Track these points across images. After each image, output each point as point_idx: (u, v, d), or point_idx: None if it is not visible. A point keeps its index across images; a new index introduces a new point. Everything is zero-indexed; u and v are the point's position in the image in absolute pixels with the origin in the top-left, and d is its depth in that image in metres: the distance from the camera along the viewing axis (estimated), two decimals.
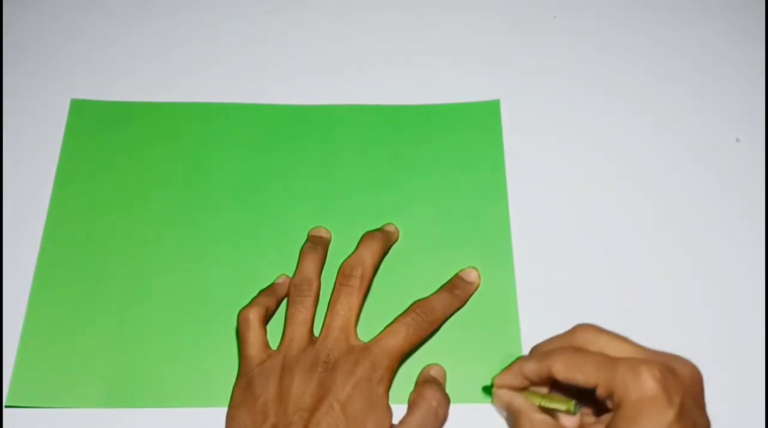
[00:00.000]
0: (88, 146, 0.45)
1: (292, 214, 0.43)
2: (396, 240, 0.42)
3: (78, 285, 0.40)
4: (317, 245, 0.40)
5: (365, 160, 0.44)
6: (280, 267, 0.41)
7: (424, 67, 0.48)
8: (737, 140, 0.45)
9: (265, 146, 0.45)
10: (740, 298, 0.41)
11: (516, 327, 0.39)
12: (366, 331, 0.37)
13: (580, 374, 0.32)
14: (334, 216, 0.42)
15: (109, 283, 0.41)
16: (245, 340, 0.37)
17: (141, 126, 0.45)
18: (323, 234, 0.42)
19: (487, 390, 0.37)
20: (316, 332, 0.38)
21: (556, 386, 0.35)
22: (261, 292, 0.39)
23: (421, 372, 0.38)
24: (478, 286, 0.40)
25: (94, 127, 0.45)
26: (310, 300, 0.38)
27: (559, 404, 0.34)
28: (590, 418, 0.34)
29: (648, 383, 0.30)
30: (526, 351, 0.38)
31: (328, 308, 0.38)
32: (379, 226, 0.42)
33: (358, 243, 0.39)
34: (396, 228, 0.42)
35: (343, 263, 0.38)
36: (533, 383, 0.35)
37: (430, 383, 0.36)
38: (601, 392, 0.32)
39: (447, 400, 0.36)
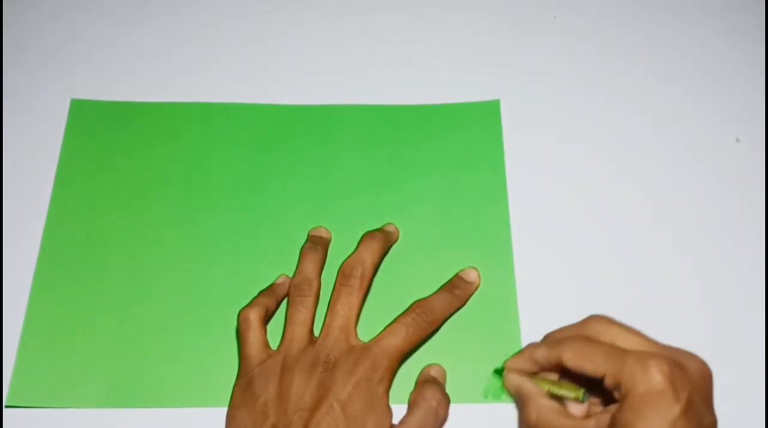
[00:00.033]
0: (88, 146, 0.45)
1: (292, 214, 0.43)
2: (396, 240, 0.42)
3: (78, 285, 0.40)
4: (317, 245, 0.40)
5: (365, 160, 0.44)
6: (280, 267, 0.41)
7: (424, 67, 0.48)
8: (737, 140, 0.45)
9: (265, 146, 0.45)
10: (740, 298, 0.41)
11: (516, 327, 0.39)
12: (366, 331, 0.37)
13: (590, 363, 0.32)
14: (334, 216, 0.42)
15: (109, 283, 0.41)
16: (245, 340, 0.37)
17: (141, 126, 0.45)
18: (323, 234, 0.42)
19: (498, 372, 0.37)
20: (316, 332, 0.38)
21: (565, 374, 0.35)
22: (261, 292, 0.39)
23: (421, 372, 0.38)
24: (478, 286, 0.40)
25: (94, 127, 0.45)
26: (310, 301, 0.38)
27: (569, 391, 0.34)
28: (597, 407, 0.34)
29: (656, 377, 0.30)
30: None
31: (328, 308, 0.38)
32: (379, 226, 0.42)
33: (358, 244, 0.39)
34: (396, 228, 0.42)
35: (343, 263, 0.38)
36: (543, 369, 0.35)
37: (430, 383, 0.36)
38: (608, 382, 0.32)
39: (447, 400, 0.36)
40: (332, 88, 0.47)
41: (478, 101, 0.46)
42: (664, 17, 0.50)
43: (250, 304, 0.38)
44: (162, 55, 0.48)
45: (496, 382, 0.37)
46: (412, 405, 0.35)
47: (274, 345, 0.37)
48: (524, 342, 0.39)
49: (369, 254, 0.39)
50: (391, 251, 0.41)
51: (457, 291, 0.39)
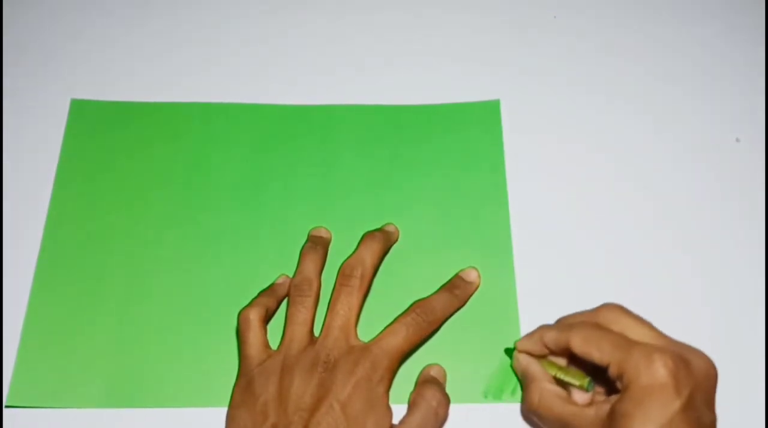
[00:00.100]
0: (88, 146, 0.45)
1: (292, 214, 0.43)
2: (396, 241, 0.42)
3: (78, 285, 0.40)
4: (317, 245, 0.40)
5: (365, 160, 0.44)
6: (280, 267, 0.41)
7: (424, 67, 0.48)
8: (737, 140, 0.45)
9: (265, 146, 0.45)
10: (740, 298, 0.41)
11: (516, 327, 0.39)
12: (366, 331, 0.37)
13: (596, 350, 0.33)
14: (334, 216, 0.42)
15: (109, 283, 0.41)
16: (245, 340, 0.37)
17: (141, 126, 0.45)
18: (323, 234, 0.42)
19: (509, 352, 0.37)
20: (317, 332, 0.38)
21: (573, 360, 0.35)
22: (261, 292, 0.39)
23: (421, 372, 0.38)
24: (478, 286, 0.40)
25: (94, 127, 0.45)
26: (310, 301, 0.38)
27: (574, 379, 0.34)
28: (600, 396, 0.35)
29: (659, 371, 0.30)
30: None
31: (328, 308, 0.38)
32: (379, 226, 0.42)
33: (358, 244, 0.39)
34: (396, 228, 0.42)
35: (343, 263, 0.38)
36: (552, 352, 0.35)
37: (430, 383, 0.36)
38: (612, 371, 0.32)
39: (447, 400, 0.36)
40: (332, 88, 0.47)
41: (478, 101, 0.46)
42: (664, 17, 0.50)
43: (250, 304, 0.38)
44: (162, 55, 0.48)
45: (505, 362, 0.38)
46: (412, 405, 0.35)
47: (274, 345, 0.37)
48: None
49: (369, 254, 0.39)
50: (391, 251, 0.41)
51: (457, 291, 0.39)
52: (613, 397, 0.32)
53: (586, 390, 0.34)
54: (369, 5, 0.50)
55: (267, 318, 0.38)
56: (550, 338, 0.35)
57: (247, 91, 0.47)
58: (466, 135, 0.45)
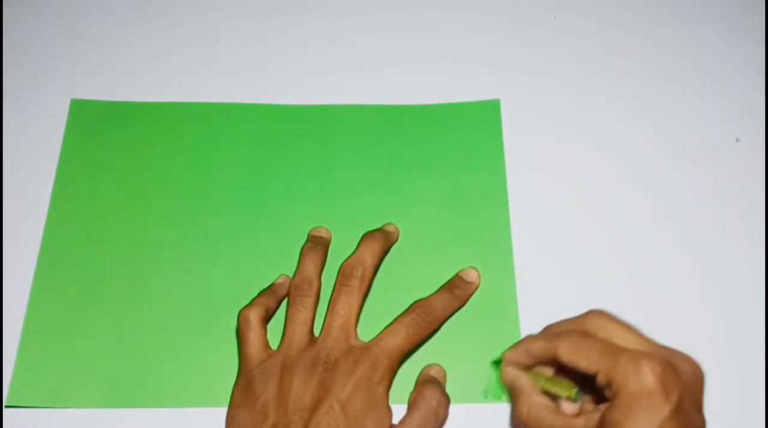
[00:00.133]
0: (88, 146, 0.45)
1: (292, 214, 0.43)
2: (396, 240, 0.42)
3: (78, 285, 0.40)
4: (317, 245, 0.40)
5: (365, 160, 0.44)
6: (280, 267, 0.41)
7: (424, 67, 0.48)
8: (737, 140, 0.45)
9: (265, 146, 0.45)
10: (740, 298, 0.41)
11: (516, 327, 0.39)
12: (366, 331, 0.37)
13: (584, 359, 0.32)
14: (334, 216, 0.42)
15: (109, 283, 0.41)
16: (245, 340, 0.37)
17: (141, 126, 0.45)
18: (323, 234, 0.42)
19: (496, 364, 0.37)
20: (317, 332, 0.38)
21: (561, 369, 0.35)
22: (261, 292, 0.39)
23: (421, 372, 0.38)
24: (478, 286, 0.40)
25: (94, 127, 0.45)
26: (310, 301, 0.38)
27: (562, 389, 0.34)
28: (589, 405, 0.34)
29: (647, 377, 0.30)
30: None
31: (328, 308, 0.38)
32: (379, 226, 0.42)
33: (359, 244, 0.39)
34: (396, 228, 0.42)
35: (343, 263, 0.38)
36: (540, 362, 0.35)
37: (430, 383, 0.36)
38: (600, 380, 0.32)
39: (447, 400, 0.36)
40: (332, 88, 0.47)
41: (478, 101, 0.46)
42: (664, 17, 0.50)
43: (250, 304, 0.38)
44: (162, 55, 0.48)
45: (493, 373, 0.37)
46: (412, 405, 0.35)
47: (274, 345, 0.37)
48: None
49: (369, 254, 0.39)
50: (391, 251, 0.41)
51: (457, 291, 0.39)
52: (602, 406, 0.32)
53: (574, 401, 0.34)
54: (369, 5, 0.50)
55: (267, 318, 0.38)
56: (537, 348, 0.34)
57: (247, 91, 0.47)
58: (466, 135, 0.45)
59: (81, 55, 0.48)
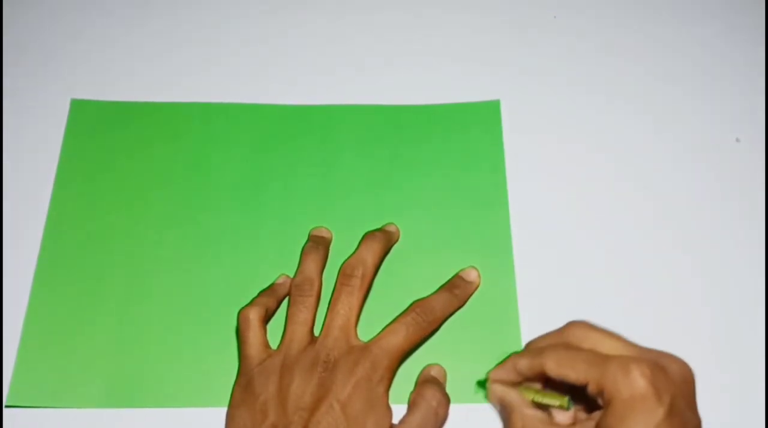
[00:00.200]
0: (88, 146, 0.45)
1: (292, 214, 0.43)
2: (397, 240, 0.42)
3: (78, 285, 0.40)
4: (319, 245, 0.40)
5: (365, 160, 0.44)
6: (281, 267, 0.41)
7: (424, 67, 0.48)
8: (737, 140, 0.45)
9: (265, 146, 0.45)
10: (740, 298, 0.41)
11: (516, 327, 0.39)
12: (366, 331, 0.37)
13: (572, 371, 0.32)
14: (334, 216, 0.42)
15: (109, 283, 0.41)
16: (245, 340, 0.37)
17: (141, 126, 0.45)
18: (324, 234, 0.42)
19: (482, 384, 0.37)
20: (317, 332, 0.38)
21: (549, 383, 0.35)
22: (261, 292, 0.39)
23: (421, 372, 0.38)
24: (478, 286, 0.40)
25: (94, 127, 0.45)
26: (311, 300, 0.38)
27: (553, 399, 0.34)
28: (582, 414, 0.34)
29: (638, 381, 0.30)
30: None
31: (328, 308, 0.38)
32: (379, 226, 0.42)
33: (359, 244, 0.39)
34: (397, 228, 0.42)
35: (343, 263, 0.38)
36: (527, 379, 0.35)
37: (431, 383, 0.36)
38: (591, 389, 0.32)
39: (447, 400, 0.36)
40: (332, 88, 0.47)
41: (478, 101, 0.46)
42: (664, 17, 0.50)
43: (251, 304, 0.38)
44: (162, 55, 0.48)
45: (480, 394, 0.37)
46: (412, 404, 0.35)
47: (274, 345, 0.37)
48: (524, 342, 0.39)
49: (370, 254, 0.39)
50: (391, 251, 0.41)
51: (456, 291, 0.39)
52: (596, 414, 0.32)
53: (567, 409, 0.34)
54: (369, 5, 0.50)
55: (267, 317, 0.38)
56: (524, 365, 0.34)
57: (247, 91, 0.47)
58: (466, 135, 0.45)
59: (81, 55, 0.48)
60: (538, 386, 0.35)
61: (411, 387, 0.37)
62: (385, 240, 0.40)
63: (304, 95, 0.46)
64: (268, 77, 0.47)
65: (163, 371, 0.38)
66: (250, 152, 0.45)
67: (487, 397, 0.36)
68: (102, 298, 0.40)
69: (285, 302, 0.39)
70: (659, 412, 0.30)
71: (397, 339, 0.36)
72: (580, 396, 0.33)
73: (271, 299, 0.38)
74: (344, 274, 0.38)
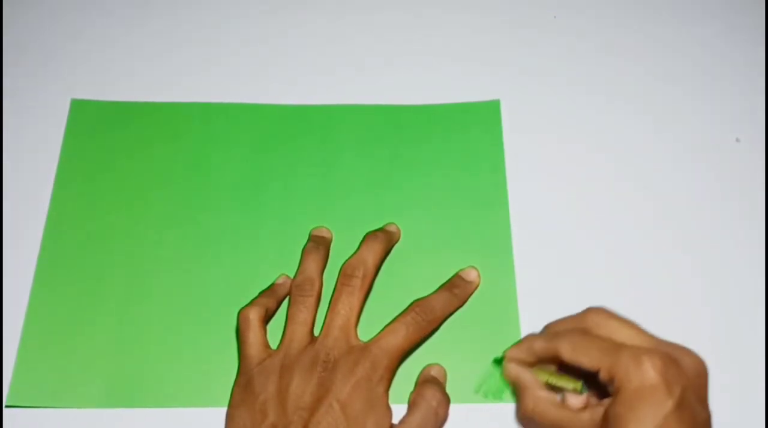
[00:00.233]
0: (88, 146, 0.45)
1: (293, 213, 0.43)
2: (398, 240, 0.42)
3: (78, 285, 0.40)
4: (319, 245, 0.40)
5: (365, 160, 0.44)
6: (281, 267, 0.41)
7: (424, 67, 0.48)
8: (737, 140, 0.45)
9: (265, 146, 0.45)
10: (740, 298, 0.41)
11: (516, 327, 0.39)
12: (366, 331, 0.37)
13: (585, 357, 0.33)
14: (334, 216, 0.42)
15: (109, 283, 0.41)
16: (245, 340, 0.37)
17: (141, 126, 0.45)
18: (325, 234, 0.42)
19: (498, 361, 0.37)
20: (317, 332, 0.38)
21: (563, 367, 0.35)
22: (262, 293, 0.39)
23: (422, 372, 0.38)
24: (477, 285, 0.40)
25: (94, 127, 0.45)
26: (311, 300, 0.38)
27: (567, 383, 0.34)
28: (593, 400, 0.35)
29: (649, 372, 0.30)
30: None
31: (328, 308, 0.38)
32: (379, 226, 0.42)
33: (360, 244, 0.39)
34: (398, 228, 0.42)
35: (344, 263, 0.38)
36: (541, 360, 0.35)
37: (431, 383, 0.36)
38: (603, 376, 0.32)
39: (447, 400, 0.36)
40: (332, 88, 0.47)
41: (478, 101, 0.46)
42: (664, 17, 0.50)
43: (251, 304, 0.38)
44: (162, 55, 0.48)
45: (494, 372, 0.37)
46: (412, 405, 0.35)
47: (274, 345, 0.37)
48: None
49: (371, 254, 0.39)
50: (391, 251, 0.41)
51: (456, 291, 0.39)
52: (606, 401, 0.32)
53: (580, 393, 0.34)
54: (369, 5, 0.50)
55: (267, 318, 0.38)
56: (539, 348, 0.35)
57: (247, 91, 0.47)
58: (466, 135, 0.45)
59: (81, 55, 0.48)
60: (553, 368, 0.36)
61: (411, 387, 0.37)
62: (386, 240, 0.40)
63: (304, 95, 0.46)
64: (268, 77, 0.47)
65: (163, 371, 0.38)
66: (250, 152, 0.45)
67: (502, 374, 0.36)
68: (102, 298, 0.40)
69: (285, 302, 0.39)
70: (668, 404, 0.30)
71: (397, 339, 0.36)
72: (592, 382, 0.34)
73: (271, 299, 0.38)
74: (345, 274, 0.38)
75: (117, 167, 0.44)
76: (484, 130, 0.45)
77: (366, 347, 0.36)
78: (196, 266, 0.41)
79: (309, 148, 0.45)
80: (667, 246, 0.42)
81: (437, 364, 0.38)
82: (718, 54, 0.48)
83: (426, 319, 0.37)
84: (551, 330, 0.36)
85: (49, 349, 0.39)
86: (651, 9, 0.50)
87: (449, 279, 0.40)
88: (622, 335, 0.33)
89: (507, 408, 0.37)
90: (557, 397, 0.34)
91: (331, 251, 0.41)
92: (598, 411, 0.32)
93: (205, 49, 0.48)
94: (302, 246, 0.41)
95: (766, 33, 0.49)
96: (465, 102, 0.46)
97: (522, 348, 0.36)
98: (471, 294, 0.40)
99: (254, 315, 0.37)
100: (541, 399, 0.34)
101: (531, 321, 0.39)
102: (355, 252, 0.39)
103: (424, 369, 0.38)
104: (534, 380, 0.35)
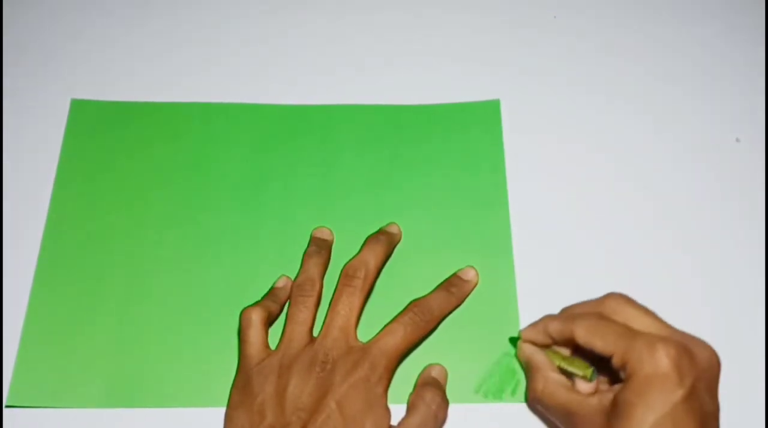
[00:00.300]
0: (88, 146, 0.45)
1: (293, 214, 0.43)
2: (399, 241, 0.42)
3: (78, 285, 0.40)
4: (321, 249, 0.40)
5: (365, 160, 0.44)
6: (281, 267, 0.41)
7: (424, 67, 0.48)
8: (737, 140, 0.45)
9: (265, 146, 0.45)
10: (740, 298, 0.41)
11: (516, 327, 0.39)
12: (366, 331, 0.37)
13: (600, 341, 0.33)
14: (335, 216, 0.42)
15: (109, 283, 0.41)
16: (246, 339, 0.37)
17: (141, 126, 0.45)
18: (327, 236, 0.41)
19: (513, 341, 0.37)
20: (317, 333, 0.38)
21: (577, 350, 0.35)
22: (265, 296, 0.39)
23: (423, 372, 0.38)
24: (475, 285, 0.40)
25: (94, 127, 0.45)
26: (311, 301, 0.38)
27: (578, 368, 0.35)
28: (603, 385, 0.35)
29: (662, 360, 0.31)
30: None
31: (329, 308, 0.38)
32: (379, 227, 0.42)
33: (362, 246, 0.39)
34: (399, 228, 0.42)
35: (346, 264, 0.38)
36: (556, 342, 0.36)
37: (431, 385, 0.36)
38: (615, 361, 0.32)
39: (446, 403, 0.36)
40: (332, 88, 0.47)
41: (478, 101, 0.46)
42: (664, 17, 0.50)
43: (254, 304, 0.38)
44: (162, 55, 0.48)
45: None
46: (411, 406, 0.35)
47: (275, 347, 0.37)
48: None
49: (372, 256, 0.38)
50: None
51: (453, 290, 0.39)
52: (617, 386, 0.33)
53: (589, 380, 0.34)
54: (369, 5, 0.50)
55: (270, 320, 0.38)
56: (554, 329, 0.35)
57: (247, 91, 0.47)
58: (466, 135, 0.45)
59: (81, 55, 0.48)
60: (566, 352, 0.36)
61: (410, 388, 0.37)
62: (387, 243, 0.40)
63: (304, 95, 0.46)
64: (268, 77, 0.47)
65: (163, 371, 0.38)
66: (250, 152, 0.45)
67: (516, 353, 0.37)
68: (102, 298, 0.40)
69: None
70: (678, 393, 0.30)
71: (395, 339, 0.36)
72: (605, 367, 0.34)
73: (274, 303, 0.38)
74: (346, 275, 0.38)
75: (117, 167, 0.44)
76: (484, 129, 0.45)
77: (365, 348, 0.36)
78: (196, 266, 0.41)
79: (309, 148, 0.45)
80: (667, 246, 0.42)
81: (438, 364, 0.38)
82: (718, 54, 0.48)
83: (424, 319, 0.37)
84: (568, 313, 0.36)
85: (49, 349, 0.39)
86: (651, 9, 0.50)
87: (447, 279, 0.40)
88: (639, 322, 0.33)
89: (507, 408, 0.37)
90: (567, 381, 0.35)
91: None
92: (607, 397, 0.33)
93: (205, 49, 0.48)
94: (303, 246, 0.41)
95: (766, 33, 0.49)
96: (465, 102, 0.46)
97: (538, 329, 0.36)
98: (469, 294, 0.40)
99: (257, 316, 0.37)
100: (551, 380, 0.35)
101: (531, 321, 0.39)
102: (357, 254, 0.39)
103: (425, 369, 0.38)
104: (546, 361, 0.35)
